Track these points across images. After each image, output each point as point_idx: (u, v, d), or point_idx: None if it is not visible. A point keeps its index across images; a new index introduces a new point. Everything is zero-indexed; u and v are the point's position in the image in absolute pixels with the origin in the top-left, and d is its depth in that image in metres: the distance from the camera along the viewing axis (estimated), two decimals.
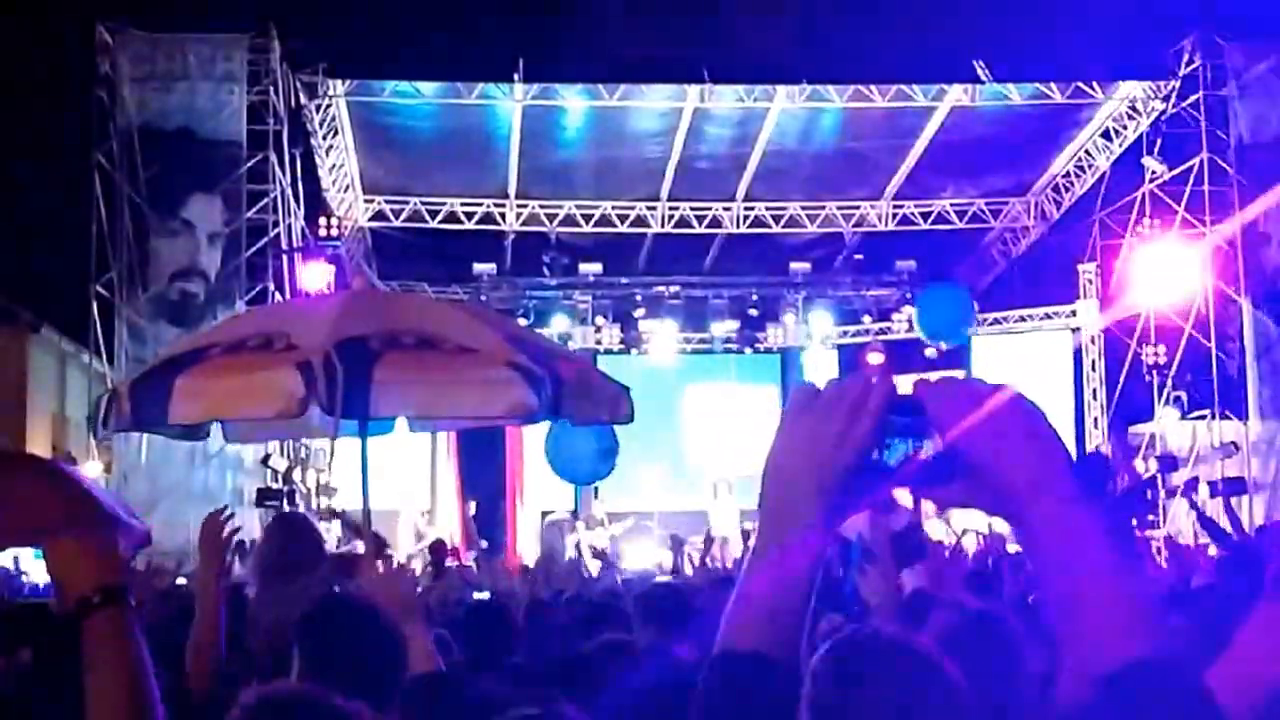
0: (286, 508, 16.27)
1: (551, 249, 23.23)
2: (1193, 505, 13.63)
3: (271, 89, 19.04)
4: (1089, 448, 21.48)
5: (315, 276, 19.10)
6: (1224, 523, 12.01)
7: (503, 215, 22.64)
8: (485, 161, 21.38)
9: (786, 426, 1.52)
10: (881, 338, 23.72)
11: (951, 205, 23.30)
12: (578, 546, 17.19)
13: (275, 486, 17.54)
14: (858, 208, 23.29)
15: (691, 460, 23.30)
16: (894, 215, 23.33)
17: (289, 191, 19.63)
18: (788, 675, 1.46)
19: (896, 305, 23.99)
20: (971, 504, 1.51)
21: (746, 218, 23.05)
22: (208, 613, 4.38)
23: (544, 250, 23.29)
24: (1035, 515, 1.46)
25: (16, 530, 1.87)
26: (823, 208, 23.16)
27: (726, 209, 22.98)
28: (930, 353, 22.31)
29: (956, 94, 19.88)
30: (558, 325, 23.05)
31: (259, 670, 4.26)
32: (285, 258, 19.45)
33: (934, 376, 1.52)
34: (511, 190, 22.20)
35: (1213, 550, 10.69)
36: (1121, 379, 21.51)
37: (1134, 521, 16.37)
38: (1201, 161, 19.79)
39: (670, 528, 17.82)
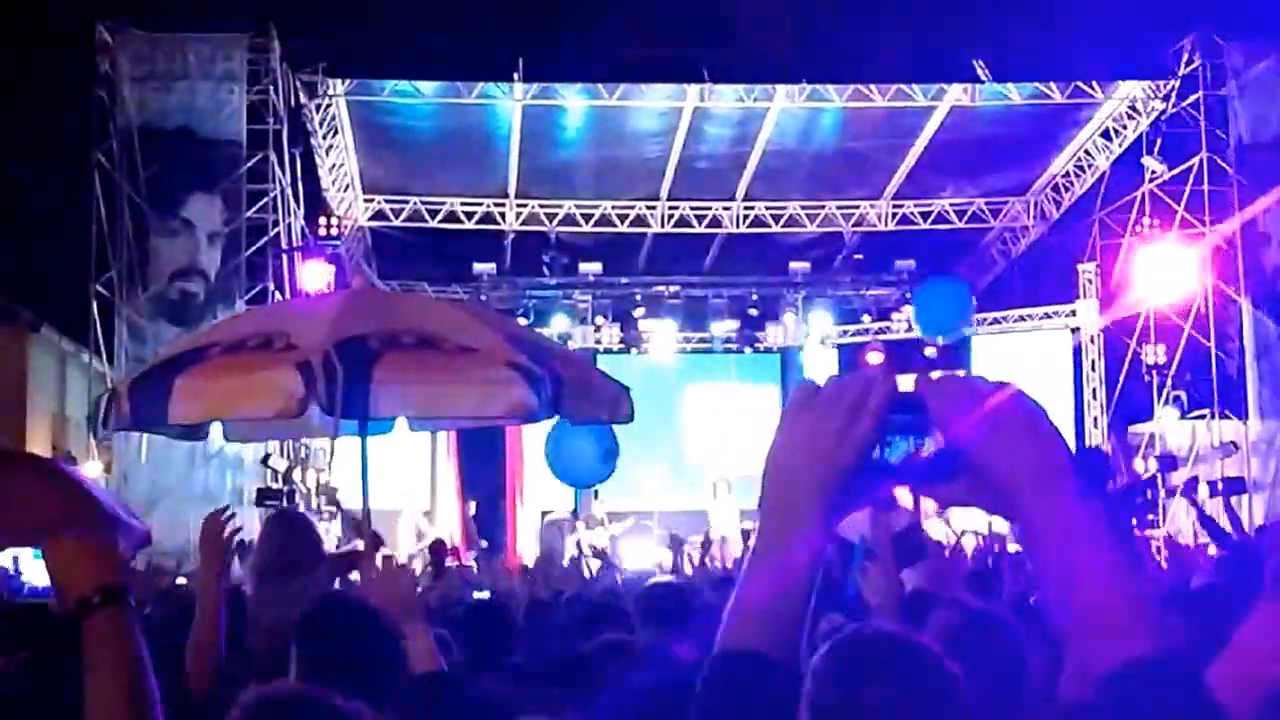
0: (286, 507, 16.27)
1: (551, 249, 23.24)
2: (1194, 504, 13.61)
3: (271, 88, 19.05)
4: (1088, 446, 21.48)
5: (315, 276, 19.10)
6: (1224, 522, 12.00)
7: (502, 215, 22.64)
8: (485, 161, 21.38)
9: (787, 424, 1.52)
10: (881, 337, 23.72)
11: (951, 205, 23.31)
12: (578, 546, 17.18)
13: (275, 486, 17.54)
14: (857, 207, 23.30)
15: (691, 460, 23.29)
16: (894, 215, 23.33)
17: (289, 191, 19.63)
18: (788, 674, 1.46)
19: (896, 305, 23.99)
20: (973, 502, 1.51)
21: (746, 217, 23.05)
22: (208, 613, 4.38)
23: (544, 250, 23.29)
24: (1037, 513, 1.45)
25: (16, 530, 1.87)
26: (822, 207, 23.17)
27: (726, 209, 22.98)
28: (930, 352, 22.30)
29: (956, 94, 19.88)
30: (558, 325, 23.06)
31: (259, 670, 4.26)
32: (285, 257, 19.46)
33: (935, 375, 1.52)
34: (511, 190, 22.20)
35: (1212, 550, 10.69)
36: (1121, 379, 21.52)
37: (1133, 521, 16.37)
38: (1201, 161, 19.79)
39: (670, 528, 17.81)
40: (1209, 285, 19.88)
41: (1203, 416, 20.17)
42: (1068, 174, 22.67)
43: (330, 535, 15.86)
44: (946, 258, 23.55)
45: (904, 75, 19.58)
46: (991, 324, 23.54)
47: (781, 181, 22.45)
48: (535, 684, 4.28)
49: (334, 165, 21.15)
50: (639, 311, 23.88)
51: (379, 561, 5.35)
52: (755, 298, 24.32)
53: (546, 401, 5.78)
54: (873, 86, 19.69)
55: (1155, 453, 20.47)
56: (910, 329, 22.91)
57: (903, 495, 1.62)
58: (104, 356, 18.50)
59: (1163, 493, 19.70)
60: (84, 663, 1.83)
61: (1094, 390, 22.61)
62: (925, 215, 23.32)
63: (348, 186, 21.92)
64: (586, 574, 12.17)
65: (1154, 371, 20.77)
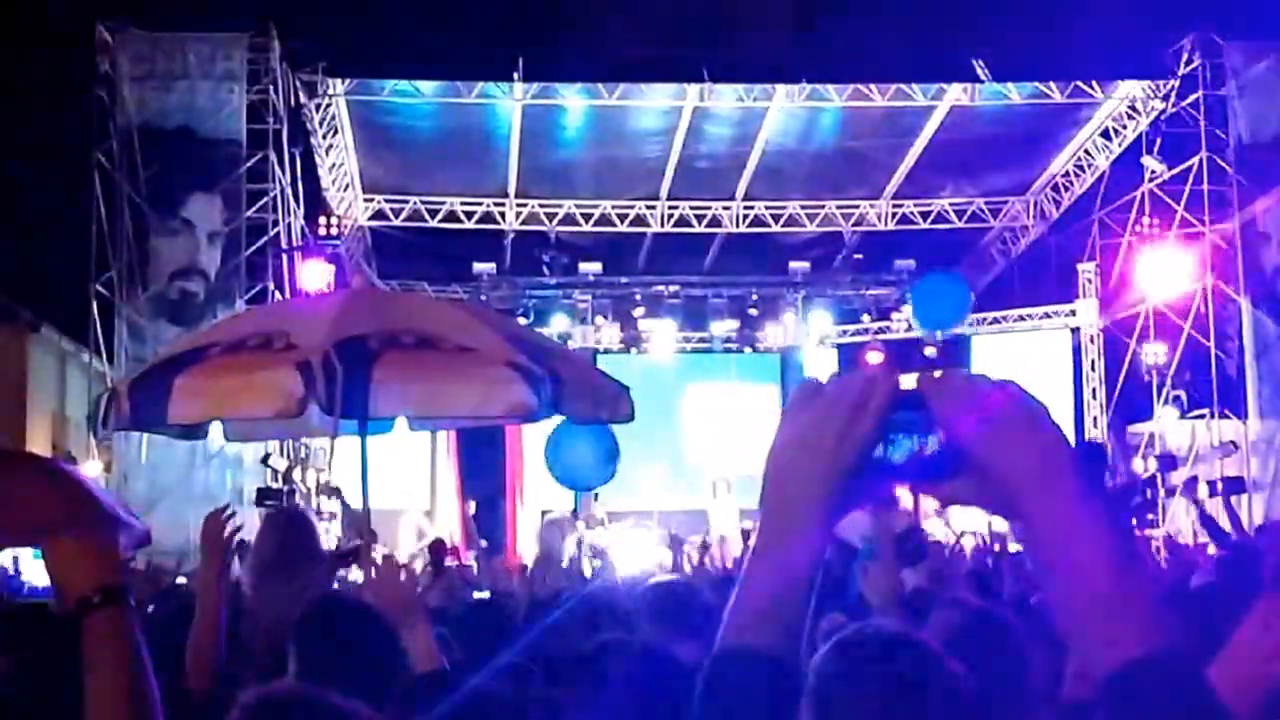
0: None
1: (551, 248, 23.24)
2: (1195, 503, 13.62)
3: (271, 88, 19.06)
4: None
5: (315, 275, 19.11)
6: (1224, 522, 12.01)
7: (502, 214, 22.64)
8: (485, 161, 21.38)
9: (789, 422, 1.51)
10: (881, 337, 23.73)
11: (951, 205, 23.31)
12: (578, 546, 17.17)
13: (275, 486, 17.54)
14: (857, 207, 23.30)
15: (691, 459, 23.29)
16: (893, 215, 23.33)
17: (289, 190, 19.64)
18: (789, 672, 1.46)
19: (896, 304, 24.00)
20: (974, 501, 1.50)
21: (746, 217, 23.05)
22: (208, 612, 4.37)
23: (544, 249, 23.30)
24: (1038, 512, 1.45)
25: (16, 530, 1.87)
26: (822, 207, 23.17)
27: (726, 208, 22.98)
28: (930, 351, 22.33)
29: (956, 93, 19.88)
30: (557, 324, 23.06)
31: (258, 670, 4.26)
32: (285, 257, 19.46)
33: (938, 373, 1.52)
34: (511, 189, 22.20)
35: (1212, 549, 10.70)
36: (1121, 378, 21.52)
37: (1132, 521, 16.36)
38: (1201, 161, 19.80)
39: (670, 527, 17.81)
40: (1208, 285, 19.89)
41: (1202, 416, 20.18)
42: (1067, 174, 22.68)
43: (330, 536, 15.86)
44: (946, 257, 23.55)
45: (904, 75, 19.58)
46: (991, 324, 23.55)
47: (781, 181, 22.45)
48: (535, 683, 4.27)
49: (334, 165, 21.15)
50: (639, 311, 23.89)
51: (379, 560, 5.35)
52: (755, 297, 24.33)
53: (546, 401, 5.78)
54: (872, 86, 19.69)
55: (1155, 452, 20.48)
56: (910, 328, 22.91)
57: (902, 495, 1.62)
58: (104, 356, 18.51)
59: (1162, 492, 19.70)
60: (84, 662, 1.83)
61: (1094, 390, 22.63)
62: (925, 215, 23.32)
63: (347, 186, 21.92)
64: (588, 573, 12.17)
65: (1153, 371, 20.78)
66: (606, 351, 23.10)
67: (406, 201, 22.36)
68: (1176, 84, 19.94)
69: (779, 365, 24.38)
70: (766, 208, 23.00)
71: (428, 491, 21.61)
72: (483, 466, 21.51)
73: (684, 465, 23.26)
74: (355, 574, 9.38)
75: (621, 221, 22.87)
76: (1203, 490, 17.97)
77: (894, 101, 19.91)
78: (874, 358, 22.57)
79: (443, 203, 22.36)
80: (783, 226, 23.25)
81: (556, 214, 22.73)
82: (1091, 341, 22.81)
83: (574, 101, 19.96)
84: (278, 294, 18.97)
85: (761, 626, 1.46)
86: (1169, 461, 19.97)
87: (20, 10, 20.56)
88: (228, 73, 18.99)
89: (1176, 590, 6.51)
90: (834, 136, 21.17)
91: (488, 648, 4.75)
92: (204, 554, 4.56)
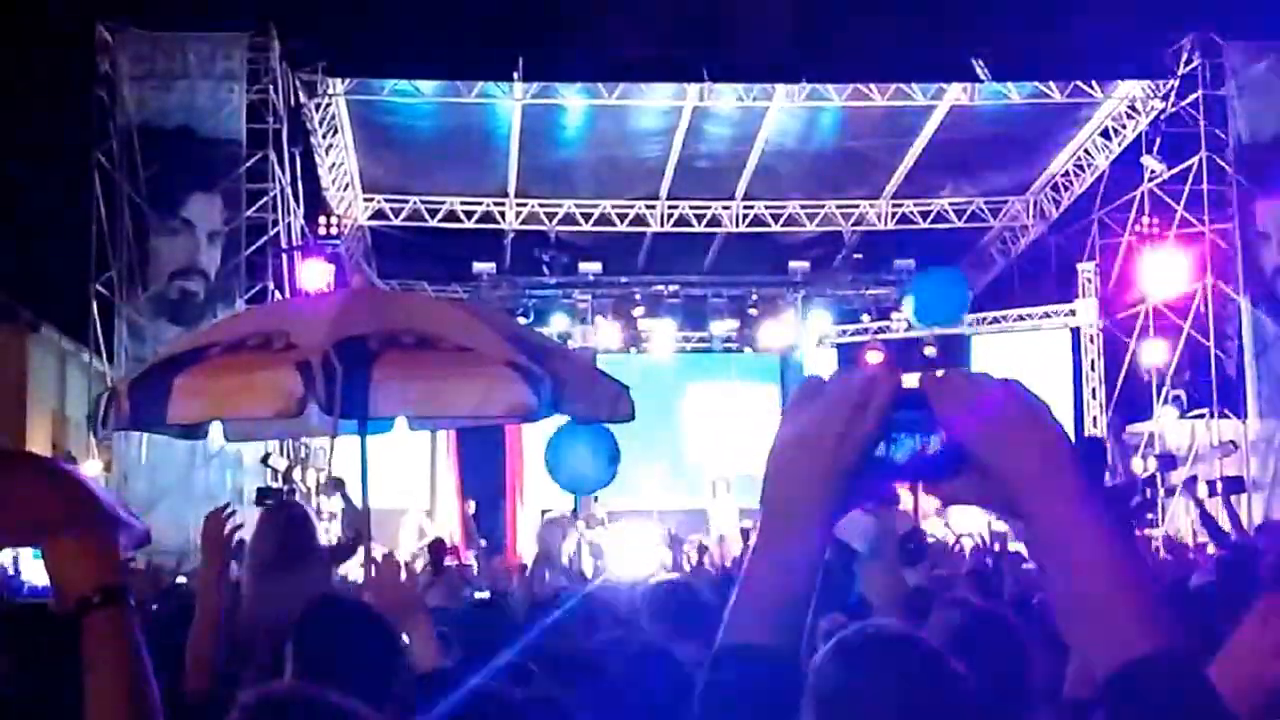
0: None
1: (551, 248, 23.23)
2: (1197, 502, 13.63)
3: (271, 88, 19.06)
4: None
5: (315, 275, 19.11)
6: (1224, 521, 12.01)
7: (502, 214, 22.64)
8: (485, 160, 21.37)
9: (791, 420, 1.51)
10: (880, 336, 23.73)
11: (950, 204, 23.30)
12: (578, 545, 17.17)
13: (275, 485, 17.53)
14: (857, 207, 23.29)
15: (691, 459, 23.29)
16: (893, 214, 23.32)
17: (288, 190, 19.64)
18: (790, 670, 1.46)
19: (895, 304, 23.98)
20: (977, 500, 1.50)
21: (746, 217, 23.04)
22: (208, 612, 4.37)
23: (544, 249, 23.28)
24: (1041, 510, 1.45)
25: (16, 530, 1.87)
26: (822, 207, 23.16)
27: (726, 208, 22.97)
28: (929, 351, 22.32)
29: (955, 93, 19.88)
30: (557, 324, 23.05)
31: (258, 669, 4.26)
32: (285, 256, 19.47)
33: (940, 372, 1.52)
34: (511, 189, 22.19)
35: (1211, 549, 10.70)
36: (1120, 378, 21.52)
37: (1133, 521, 16.36)
38: (1200, 160, 19.81)
39: (670, 527, 17.83)
40: (1208, 284, 19.89)
41: (1202, 416, 20.18)
42: (1067, 173, 22.67)
43: (330, 536, 15.85)
44: (946, 257, 23.52)
45: (903, 75, 19.57)
46: (991, 323, 23.54)
47: (781, 181, 22.45)
48: (535, 683, 4.27)
49: (334, 164, 21.15)
50: (639, 311, 23.88)
51: (378, 558, 5.34)
52: (755, 297, 24.32)
53: (546, 401, 5.79)
54: (872, 86, 19.69)
55: (1154, 452, 20.48)
56: (910, 327, 22.91)
57: (903, 495, 1.62)
58: (104, 356, 18.52)
59: (1162, 492, 19.71)
60: (83, 662, 1.83)
61: (1093, 389, 22.62)
62: (925, 215, 23.31)
63: (347, 186, 21.92)
64: (588, 572, 12.19)
65: (1153, 371, 20.78)
66: (606, 351, 23.08)
67: (406, 201, 22.35)
68: (1176, 84, 19.94)
69: (779, 365, 24.38)
70: (766, 207, 22.99)
71: (428, 491, 21.60)
72: (483, 466, 21.50)
73: (684, 465, 23.26)
74: (356, 573, 9.38)
75: (621, 221, 22.86)
76: (1202, 489, 17.98)
77: (894, 101, 19.91)
78: (874, 357, 22.56)
79: (442, 202, 22.35)
80: (782, 226, 23.24)
81: (556, 214, 22.73)
82: (1091, 341, 22.80)
83: (574, 101, 19.96)
84: (278, 294, 18.98)
85: (762, 625, 1.46)
86: (1168, 461, 19.97)
87: (20, 10, 20.55)
88: (228, 72, 19.00)
89: (1176, 590, 6.52)
90: (834, 136, 21.17)
91: (488, 647, 4.75)
92: (204, 554, 4.56)
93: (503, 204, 22.51)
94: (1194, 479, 18.64)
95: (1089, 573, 1.43)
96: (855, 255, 24.11)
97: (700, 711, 1.47)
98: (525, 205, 22.60)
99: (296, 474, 18.36)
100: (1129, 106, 20.71)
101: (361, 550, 7.07)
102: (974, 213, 23.48)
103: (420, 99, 19.73)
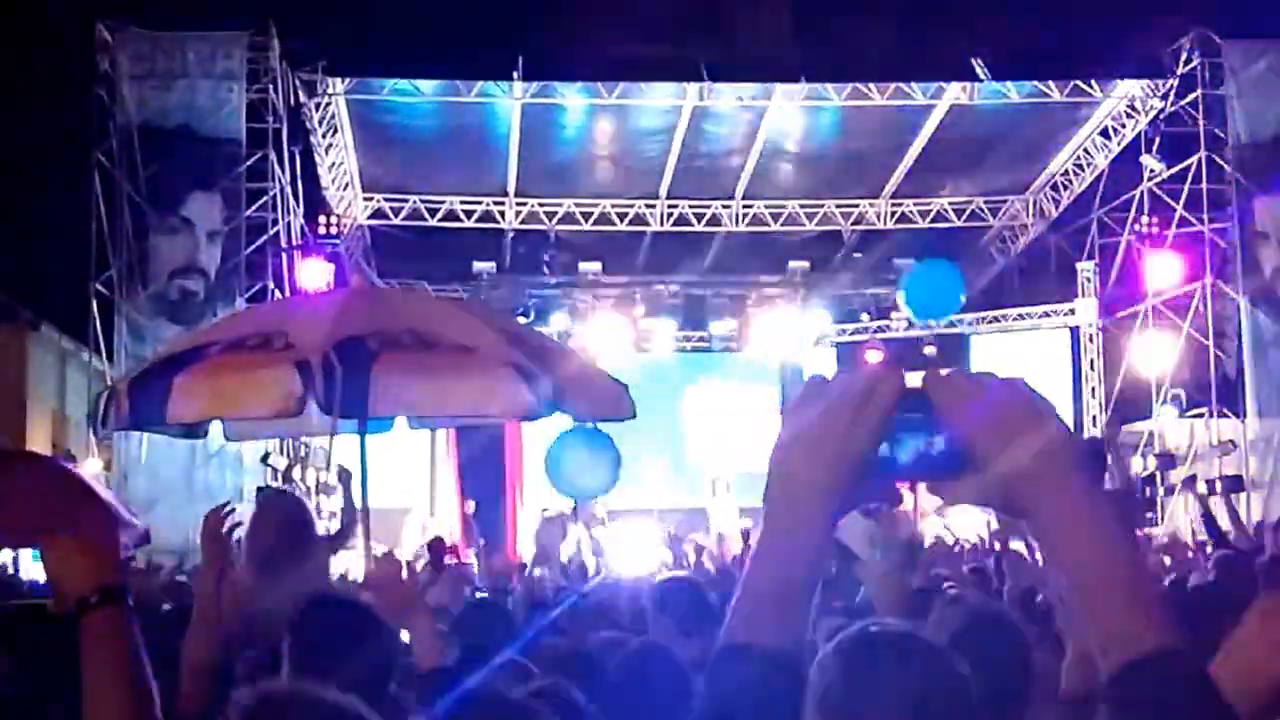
0: None
1: (551, 247, 23.21)
2: (1200, 501, 13.62)
3: (271, 87, 19.06)
4: None
5: (314, 274, 19.10)
6: (1223, 521, 12.01)
7: (502, 213, 22.63)
8: (485, 160, 21.37)
9: (793, 419, 1.51)
10: (880, 336, 23.72)
11: (950, 204, 23.30)
12: (578, 544, 17.17)
13: (275, 485, 17.52)
14: (856, 206, 23.28)
15: (691, 458, 23.29)
16: (892, 214, 23.31)
17: (288, 189, 19.64)
18: (792, 669, 1.46)
19: (895, 303, 23.97)
20: (981, 499, 1.50)
21: (745, 216, 23.04)
22: (207, 610, 4.36)
23: (543, 248, 23.27)
24: (1045, 510, 1.45)
25: (17, 529, 1.87)
26: (821, 206, 23.15)
27: (725, 207, 22.97)
28: (929, 350, 22.31)
29: (955, 92, 19.87)
30: (557, 324, 23.03)
31: (256, 666, 4.25)
32: (285, 255, 19.47)
33: (944, 371, 1.52)
34: (511, 188, 22.19)
35: (1211, 548, 10.69)
36: (1120, 377, 21.52)
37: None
38: (1200, 160, 19.80)
39: (670, 525, 17.83)
40: (1207, 284, 19.89)
41: (1201, 415, 20.18)
42: (1066, 173, 22.66)
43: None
44: (945, 257, 23.50)
45: (903, 74, 19.57)
46: (990, 323, 23.54)
47: (780, 180, 22.44)
48: (535, 682, 4.27)
49: (333, 164, 21.14)
50: (639, 311, 23.86)
51: (377, 555, 5.35)
52: (754, 297, 24.31)
53: (545, 400, 5.79)
54: (872, 85, 19.68)
55: (1154, 451, 20.49)
56: (910, 327, 22.91)
57: (904, 495, 1.62)
58: (104, 355, 18.52)
59: (1161, 491, 19.72)
60: (82, 662, 1.83)
61: (1092, 389, 22.61)
62: (924, 214, 23.30)
63: (347, 185, 21.91)
64: (590, 570, 12.19)
65: (1152, 370, 20.77)
66: (606, 351, 23.06)
67: (406, 200, 22.34)
68: (1175, 83, 19.94)
69: (778, 364, 24.37)
70: (766, 207, 22.98)
71: (427, 491, 21.60)
72: (482, 466, 21.51)
73: (684, 464, 23.27)
74: (355, 572, 9.38)
75: (621, 220, 22.85)
76: (1201, 488, 17.98)
77: (893, 101, 19.90)
78: (873, 356, 22.57)
79: (442, 202, 22.34)
80: (782, 225, 23.24)
81: (556, 213, 22.72)
82: (1090, 340, 22.80)
83: (573, 100, 19.96)
84: (277, 293, 18.98)
85: (764, 625, 1.46)
86: (1168, 460, 19.98)
87: (20, 10, 20.57)
88: (227, 72, 19.00)
89: (1176, 589, 6.51)
90: (833, 136, 21.16)
91: (487, 646, 4.75)
92: (204, 553, 4.55)
93: (503, 203, 22.51)
94: (1193, 478, 18.66)
95: (1092, 571, 1.43)
96: (855, 255, 24.09)
97: (701, 711, 1.47)
98: (525, 205, 22.60)
99: (296, 473, 18.35)
100: (1128, 106, 20.71)
101: (361, 549, 7.06)
102: (973, 212, 23.48)
103: (420, 98, 19.73)
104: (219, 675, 4.09)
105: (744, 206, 22.92)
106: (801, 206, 23.09)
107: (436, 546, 13.16)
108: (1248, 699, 2.04)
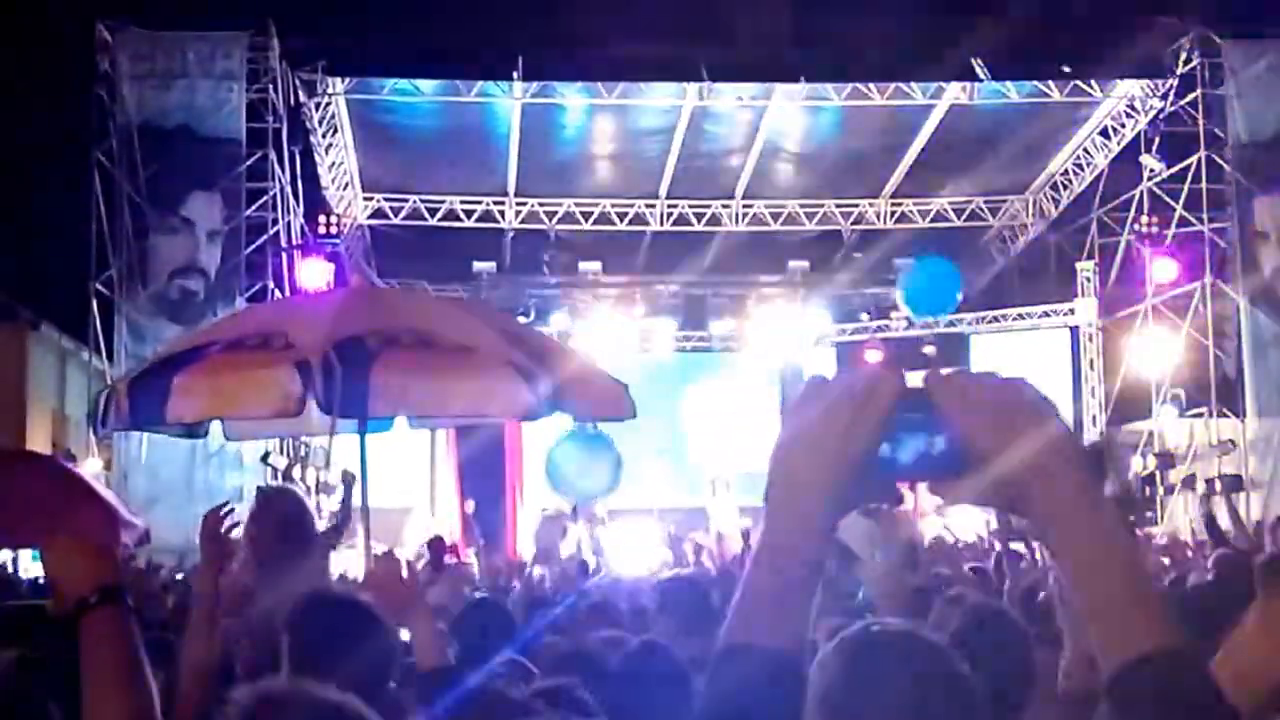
0: None
1: (551, 247, 23.22)
2: (1204, 502, 13.63)
3: (271, 87, 19.08)
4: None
5: (314, 274, 19.10)
6: (1223, 520, 12.01)
7: (502, 213, 22.64)
8: (484, 159, 21.38)
9: (794, 419, 1.51)
10: (880, 335, 23.72)
11: (950, 203, 23.31)
12: (579, 544, 17.17)
13: (275, 484, 17.52)
14: (856, 206, 23.29)
15: (691, 458, 23.29)
16: (892, 213, 23.32)
17: (288, 189, 19.65)
18: (792, 669, 1.46)
19: (894, 303, 23.98)
20: (983, 499, 1.50)
21: (745, 216, 23.04)
22: (206, 610, 4.36)
23: (543, 248, 23.27)
24: (1047, 509, 1.45)
25: (17, 529, 1.88)
26: (821, 206, 23.16)
27: (725, 207, 22.98)
28: (928, 350, 22.32)
29: (955, 92, 19.89)
30: (557, 323, 23.03)
31: (255, 665, 4.25)
32: (285, 255, 19.47)
33: (945, 371, 1.52)
34: (511, 188, 22.20)
35: (1210, 548, 10.69)
36: (1120, 377, 21.52)
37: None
38: (1200, 159, 19.81)
39: (670, 525, 17.82)
40: (1207, 283, 19.90)
41: (1200, 415, 20.18)
42: (1066, 172, 22.67)
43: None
44: (945, 256, 23.52)
45: (903, 74, 19.58)
46: (990, 322, 23.54)
47: (780, 180, 22.45)
48: (535, 680, 4.28)
49: (333, 163, 21.15)
50: (639, 311, 23.86)
51: (377, 554, 5.34)
52: (754, 296, 24.32)
53: (545, 399, 5.78)
54: (871, 85, 19.70)
55: (1154, 450, 20.50)
56: (910, 326, 22.91)
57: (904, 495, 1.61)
58: (104, 354, 18.53)
59: (1161, 490, 19.74)
60: (82, 661, 1.83)
61: (1092, 389, 22.61)
62: (924, 214, 23.31)
63: (347, 185, 21.92)
64: (591, 567, 12.18)
65: (1152, 370, 20.77)
66: (606, 350, 23.07)
67: (406, 200, 22.35)
68: (1175, 83, 19.95)
69: (778, 364, 24.37)
70: (766, 206, 23.00)
71: (427, 490, 21.60)
72: (482, 465, 21.50)
73: (684, 463, 23.26)
74: (356, 571, 9.38)
75: (621, 220, 22.86)
76: (1200, 488, 18.01)
77: (893, 100, 19.91)
78: (873, 356, 22.58)
79: (442, 201, 22.35)
80: (782, 225, 23.25)
81: (556, 212, 22.73)
82: (1090, 340, 22.80)
83: (573, 100, 19.97)
84: (277, 292, 18.99)
85: (764, 625, 1.46)
86: (1167, 460, 19.99)
87: (20, 10, 20.57)
88: (227, 72, 19.01)
89: (1175, 588, 6.51)
90: (833, 136, 21.17)
91: (487, 646, 4.76)
92: (202, 553, 4.55)
93: (502, 203, 22.52)
94: (1192, 477, 18.68)
95: (1093, 570, 1.43)
96: (854, 254, 24.10)
97: (701, 711, 1.47)
98: (525, 204, 22.61)
99: (296, 472, 18.34)
100: (1128, 106, 20.72)
101: (362, 548, 7.06)
102: (973, 212, 23.49)
103: (420, 98, 19.74)
104: (218, 674, 4.09)
105: (744, 206, 22.93)
106: (801, 206, 23.10)
107: (436, 546, 13.15)
108: (1248, 699, 2.04)
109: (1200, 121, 19.82)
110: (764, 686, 1.43)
